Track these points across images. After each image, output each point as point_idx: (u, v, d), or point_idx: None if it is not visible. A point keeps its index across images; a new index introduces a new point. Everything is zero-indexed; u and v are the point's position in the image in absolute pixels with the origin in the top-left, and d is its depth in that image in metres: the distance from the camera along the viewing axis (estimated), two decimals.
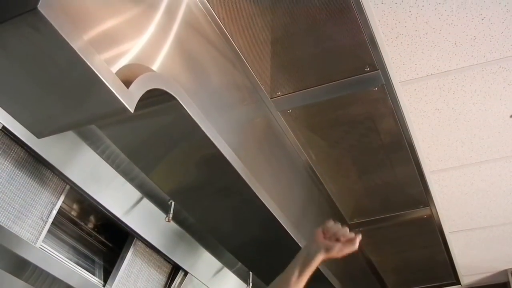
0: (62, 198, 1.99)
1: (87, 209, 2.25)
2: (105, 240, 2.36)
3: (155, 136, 1.75)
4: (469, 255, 3.77)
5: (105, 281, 2.29)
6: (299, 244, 2.31)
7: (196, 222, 2.38)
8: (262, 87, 2.27)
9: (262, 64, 2.18)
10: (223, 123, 1.90)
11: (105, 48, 1.31)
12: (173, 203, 2.30)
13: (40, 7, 1.05)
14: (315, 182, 2.81)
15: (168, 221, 2.30)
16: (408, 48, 2.14)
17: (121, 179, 2.15)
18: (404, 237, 3.42)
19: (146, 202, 2.30)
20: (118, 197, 2.19)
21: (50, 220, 1.95)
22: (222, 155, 1.78)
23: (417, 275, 3.94)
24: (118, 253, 2.36)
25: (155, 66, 1.53)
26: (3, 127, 1.68)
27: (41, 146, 1.81)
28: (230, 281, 3.04)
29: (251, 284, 2.95)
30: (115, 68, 1.32)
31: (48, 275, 1.94)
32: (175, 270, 2.66)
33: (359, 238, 1.57)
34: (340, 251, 1.57)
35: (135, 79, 1.32)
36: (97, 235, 2.33)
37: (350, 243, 1.57)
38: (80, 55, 1.14)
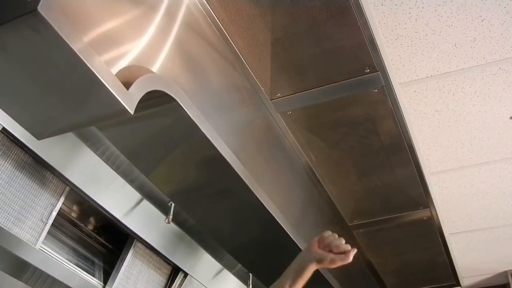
0: (62, 199, 2.00)
1: (87, 210, 2.25)
2: (105, 241, 2.36)
3: (155, 137, 1.75)
4: (469, 256, 3.76)
5: (105, 282, 2.29)
6: (299, 245, 2.31)
7: (196, 223, 2.38)
8: (262, 88, 2.27)
9: (262, 66, 2.18)
10: (223, 124, 1.90)
11: (105, 49, 1.31)
12: (173, 204, 2.30)
13: (40, 8, 1.05)
14: (315, 184, 2.81)
15: (168, 223, 2.30)
16: (408, 50, 2.14)
17: (121, 181, 2.15)
18: (404, 238, 3.41)
19: (146, 203, 2.30)
20: (118, 198, 2.19)
21: (50, 221, 1.95)
22: (222, 157, 1.78)
23: (417, 277, 3.94)
24: (118, 255, 2.36)
25: (155, 68, 1.53)
26: (3, 128, 1.68)
27: (41, 147, 1.82)
28: (230, 282, 3.04)
29: (251, 286, 2.95)
30: (115, 69, 1.32)
31: (48, 276, 1.94)
32: (175, 271, 2.66)
33: (353, 252, 1.53)
34: (332, 262, 1.53)
35: (135, 81, 1.32)
36: (97, 237, 2.33)
37: (344, 255, 1.53)
38: (80, 56, 1.14)
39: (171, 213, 2.29)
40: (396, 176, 2.81)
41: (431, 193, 2.96)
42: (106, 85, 1.21)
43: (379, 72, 2.18)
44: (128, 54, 1.41)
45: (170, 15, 1.69)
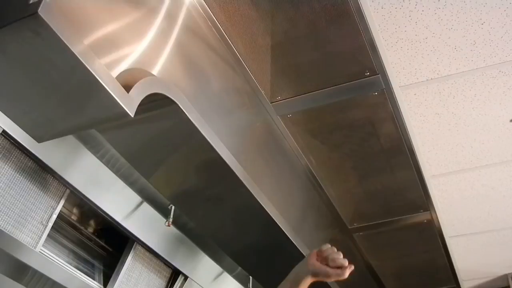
0: (62, 202, 2.00)
1: (87, 213, 2.25)
2: (105, 244, 2.36)
3: (155, 140, 1.75)
4: (469, 259, 3.76)
5: (105, 285, 2.28)
6: (299, 248, 2.31)
7: (196, 226, 2.38)
8: (262, 91, 2.27)
9: (262, 69, 2.19)
10: (223, 127, 1.90)
11: (106, 52, 1.31)
12: (173, 207, 2.30)
13: (41, 11, 1.05)
14: (315, 187, 2.81)
15: (168, 226, 2.30)
16: (408, 53, 2.14)
17: (121, 184, 2.15)
18: (404, 241, 3.41)
19: (146, 206, 2.30)
20: (118, 201, 2.19)
21: (50, 224, 1.95)
22: (222, 160, 1.78)
23: (417, 280, 3.94)
24: (118, 258, 2.35)
25: (155, 71, 1.53)
26: (3, 131, 1.68)
27: (41, 150, 1.82)
28: (230, 285, 3.04)
29: None
30: (115, 72, 1.32)
31: (48, 279, 1.94)
32: (175, 274, 2.66)
33: (350, 268, 1.51)
34: (327, 276, 1.52)
35: (135, 84, 1.32)
36: (97, 240, 2.33)
37: (340, 270, 1.51)
38: (81, 59, 1.14)
39: (171, 216, 2.29)
40: (396, 179, 2.81)
41: (431, 196, 2.96)
42: (107, 88, 1.21)
43: (379, 75, 2.18)
44: (129, 57, 1.41)
45: (170, 18, 1.69)
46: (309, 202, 2.78)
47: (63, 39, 1.10)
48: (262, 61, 2.15)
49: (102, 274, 2.32)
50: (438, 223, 3.18)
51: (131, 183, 2.18)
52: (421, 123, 2.50)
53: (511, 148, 2.67)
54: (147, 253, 2.46)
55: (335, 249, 1.55)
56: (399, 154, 2.63)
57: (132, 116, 1.29)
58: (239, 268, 2.79)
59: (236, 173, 1.85)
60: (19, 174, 1.81)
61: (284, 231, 2.20)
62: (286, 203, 2.38)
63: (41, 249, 1.93)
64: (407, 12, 1.97)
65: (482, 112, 2.44)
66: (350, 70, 2.18)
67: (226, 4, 1.92)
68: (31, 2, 1.07)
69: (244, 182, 1.90)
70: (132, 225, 2.27)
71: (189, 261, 2.68)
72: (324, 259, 1.54)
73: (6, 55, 1.16)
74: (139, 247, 2.41)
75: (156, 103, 1.52)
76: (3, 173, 1.76)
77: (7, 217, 1.78)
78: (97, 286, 2.24)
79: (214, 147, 1.72)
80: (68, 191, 2.00)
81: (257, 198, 1.99)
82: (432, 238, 3.34)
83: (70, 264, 2.14)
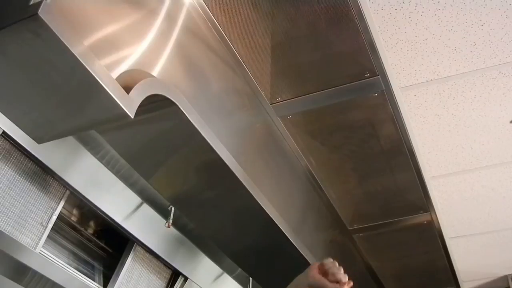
0: (62, 203, 1.99)
1: (87, 214, 2.25)
2: (105, 245, 2.36)
3: (155, 141, 1.75)
4: (469, 260, 3.76)
5: (105, 286, 2.28)
6: (299, 250, 2.31)
7: (196, 227, 2.38)
8: (262, 92, 2.27)
9: (262, 70, 2.19)
10: (223, 128, 1.90)
11: (106, 53, 1.31)
12: (173, 208, 2.30)
13: (41, 13, 1.05)
14: (315, 188, 2.81)
15: (168, 227, 2.30)
16: (408, 54, 2.15)
17: (121, 185, 2.15)
18: (404, 242, 3.41)
19: (146, 207, 2.30)
20: (118, 202, 2.19)
21: (50, 225, 1.95)
22: (222, 161, 1.78)
23: (417, 281, 3.93)
24: (118, 259, 2.35)
25: (155, 72, 1.53)
26: (3, 132, 1.68)
27: (41, 151, 1.82)
28: (230, 286, 3.04)
29: None
30: (115, 73, 1.32)
31: (47, 280, 1.94)
32: (175, 275, 2.66)
33: (349, 285, 1.50)
34: None
35: (135, 85, 1.32)
36: (97, 241, 2.33)
37: (339, 285, 1.49)
38: (81, 60, 1.14)
39: (171, 217, 2.29)
40: (396, 180, 2.81)
41: (431, 197, 2.96)
42: (107, 89, 1.21)
43: (379, 76, 2.18)
44: (129, 58, 1.41)
45: (170, 19, 1.69)
46: (309, 203, 2.78)
47: (63, 40, 1.10)
48: (262, 62, 2.15)
49: (102, 275, 2.32)
50: (438, 224, 3.18)
51: (131, 184, 2.18)
52: (421, 124, 2.50)
53: (511, 149, 2.67)
54: (147, 254, 2.46)
55: (337, 264, 1.55)
56: (399, 155, 2.63)
57: (132, 117, 1.29)
58: (239, 269, 2.79)
59: (236, 174, 1.85)
60: (19, 175, 1.81)
61: (284, 232, 2.20)
62: (286, 204, 2.38)
63: (41, 250, 1.93)
64: (407, 13, 1.97)
65: (482, 113, 2.44)
66: (350, 71, 2.18)
67: (226, 5, 1.92)
68: (31, 3, 1.07)
69: (244, 183, 1.90)
70: (132, 226, 2.27)
71: (189, 262, 2.67)
72: (325, 273, 1.54)
73: (6, 56, 1.17)
74: (139, 248, 2.40)
75: (156, 104, 1.52)
76: (3, 174, 1.76)
77: (7, 218, 1.78)
78: (97, 287, 2.24)
79: (214, 148, 1.72)
80: (68, 192, 2.00)
81: (257, 199, 1.99)
82: (432, 239, 3.34)
83: (70, 265, 2.14)
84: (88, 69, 1.16)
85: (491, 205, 3.11)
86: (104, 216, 2.16)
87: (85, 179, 2.01)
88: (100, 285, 2.28)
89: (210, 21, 1.93)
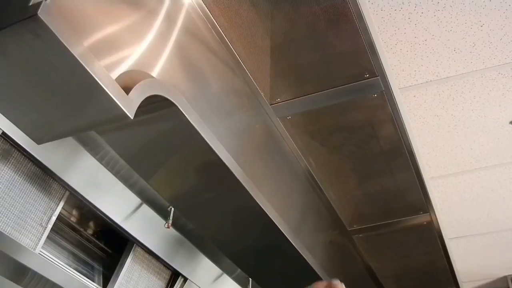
0: (61, 204, 1.99)
1: (86, 215, 2.25)
2: (104, 246, 2.35)
3: (155, 142, 1.75)
4: (469, 261, 3.76)
5: (104, 287, 2.28)
6: (298, 250, 2.31)
7: (196, 228, 2.38)
8: (262, 93, 2.27)
9: (261, 71, 2.19)
10: (223, 129, 1.90)
11: (105, 54, 1.31)
12: (172, 209, 2.29)
13: (41, 13, 1.05)
14: (314, 189, 2.81)
15: (168, 227, 2.30)
16: (407, 55, 2.15)
17: (120, 185, 2.15)
18: (403, 243, 3.41)
19: (145, 208, 2.30)
20: (118, 203, 2.18)
21: (50, 226, 1.95)
22: (221, 161, 1.78)
23: (417, 282, 3.94)
24: (118, 259, 2.35)
25: (154, 73, 1.53)
26: (3, 133, 1.68)
27: (41, 152, 1.82)
28: (230, 287, 3.03)
29: None
30: (115, 74, 1.32)
31: (47, 281, 1.94)
32: (174, 276, 2.65)
33: None
34: None
35: (134, 86, 1.32)
36: (97, 241, 2.33)
37: None
38: (80, 61, 1.15)
39: (171, 218, 2.29)
40: (396, 181, 2.81)
41: (430, 198, 2.96)
42: (106, 89, 1.21)
43: (378, 77, 2.18)
44: (128, 59, 1.41)
45: (170, 20, 1.69)
46: (309, 204, 2.78)
47: (62, 41, 1.10)
48: (261, 63, 2.15)
49: (101, 276, 2.32)
50: (438, 225, 3.19)
51: (130, 185, 2.18)
52: (421, 125, 2.50)
53: (511, 150, 2.67)
54: (147, 255, 2.46)
55: (344, 286, 1.62)
56: (398, 156, 2.63)
57: (132, 118, 1.29)
58: (239, 270, 2.79)
59: (236, 175, 1.86)
60: (18, 176, 1.81)
61: (284, 233, 2.20)
62: (286, 205, 2.38)
63: (40, 251, 1.93)
64: (406, 14, 1.97)
65: (481, 114, 2.44)
66: (349, 72, 2.18)
67: (225, 6, 1.92)
68: (31, 4, 1.08)
69: (244, 184, 1.90)
70: (132, 227, 2.27)
71: (188, 263, 2.67)
72: None
73: (6, 57, 1.17)
74: (139, 249, 2.40)
75: (156, 105, 1.52)
76: (3, 174, 1.76)
77: (6, 219, 1.78)
78: None
79: (214, 149, 1.72)
80: (67, 192, 2.00)
81: (256, 200, 1.99)
82: (432, 240, 3.34)
83: (70, 266, 2.14)
84: (88, 69, 1.17)
85: (491, 206, 3.11)
86: (104, 217, 2.16)
87: (84, 180, 2.01)
88: (100, 285, 2.27)
89: (209, 21, 1.93)
